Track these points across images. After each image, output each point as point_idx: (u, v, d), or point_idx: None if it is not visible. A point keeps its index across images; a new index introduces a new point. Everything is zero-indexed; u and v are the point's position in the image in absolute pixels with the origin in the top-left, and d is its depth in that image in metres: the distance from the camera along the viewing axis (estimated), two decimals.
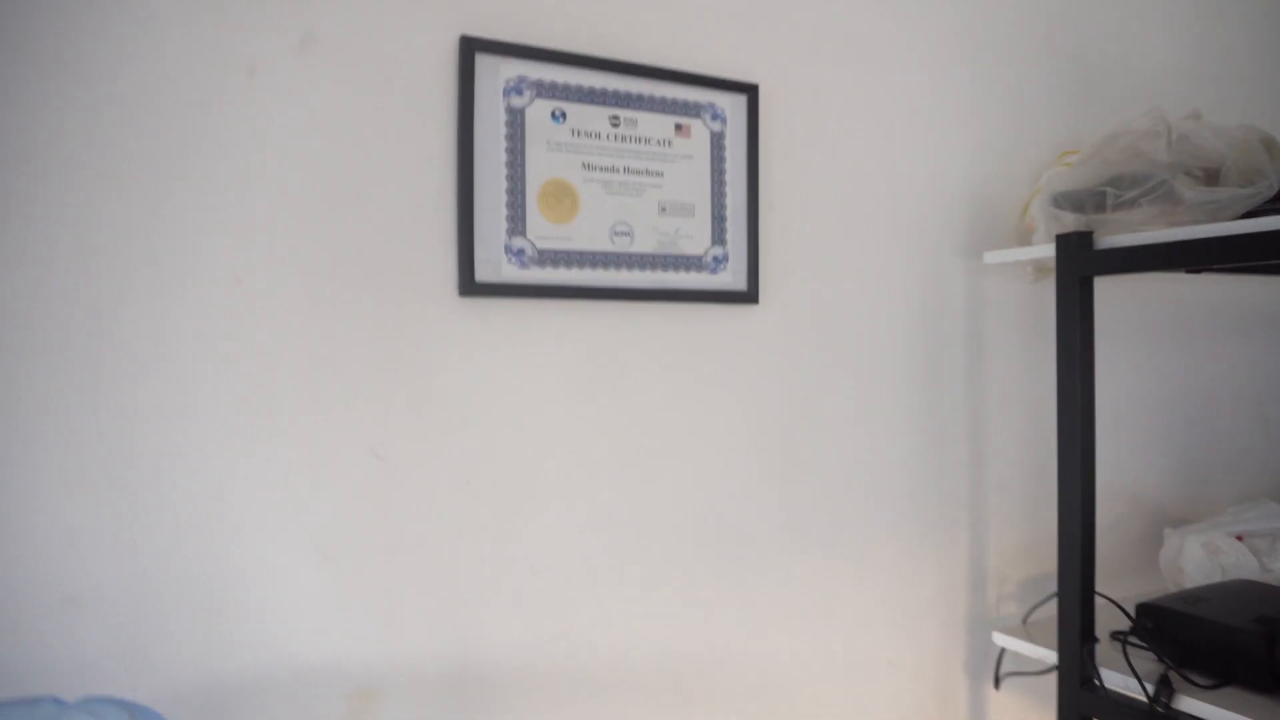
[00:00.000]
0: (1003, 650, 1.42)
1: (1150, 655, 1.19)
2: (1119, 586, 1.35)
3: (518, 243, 1.10)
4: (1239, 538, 1.40)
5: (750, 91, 1.23)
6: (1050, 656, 1.28)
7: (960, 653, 1.46)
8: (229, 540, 0.97)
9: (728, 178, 1.22)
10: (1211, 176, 1.11)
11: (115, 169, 0.91)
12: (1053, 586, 1.27)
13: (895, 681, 1.40)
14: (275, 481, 0.99)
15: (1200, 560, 1.40)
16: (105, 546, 0.91)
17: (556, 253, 1.12)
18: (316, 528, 1.01)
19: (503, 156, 1.09)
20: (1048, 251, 1.23)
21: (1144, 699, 1.13)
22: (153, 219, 0.93)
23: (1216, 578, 1.36)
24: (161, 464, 0.93)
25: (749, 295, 1.24)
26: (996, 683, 1.45)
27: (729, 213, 1.22)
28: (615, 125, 1.15)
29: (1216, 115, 1.22)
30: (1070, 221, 1.19)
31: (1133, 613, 1.23)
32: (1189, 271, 1.27)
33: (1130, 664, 1.16)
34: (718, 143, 1.21)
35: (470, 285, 1.07)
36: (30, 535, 0.88)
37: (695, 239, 1.20)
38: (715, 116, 1.21)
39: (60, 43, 0.89)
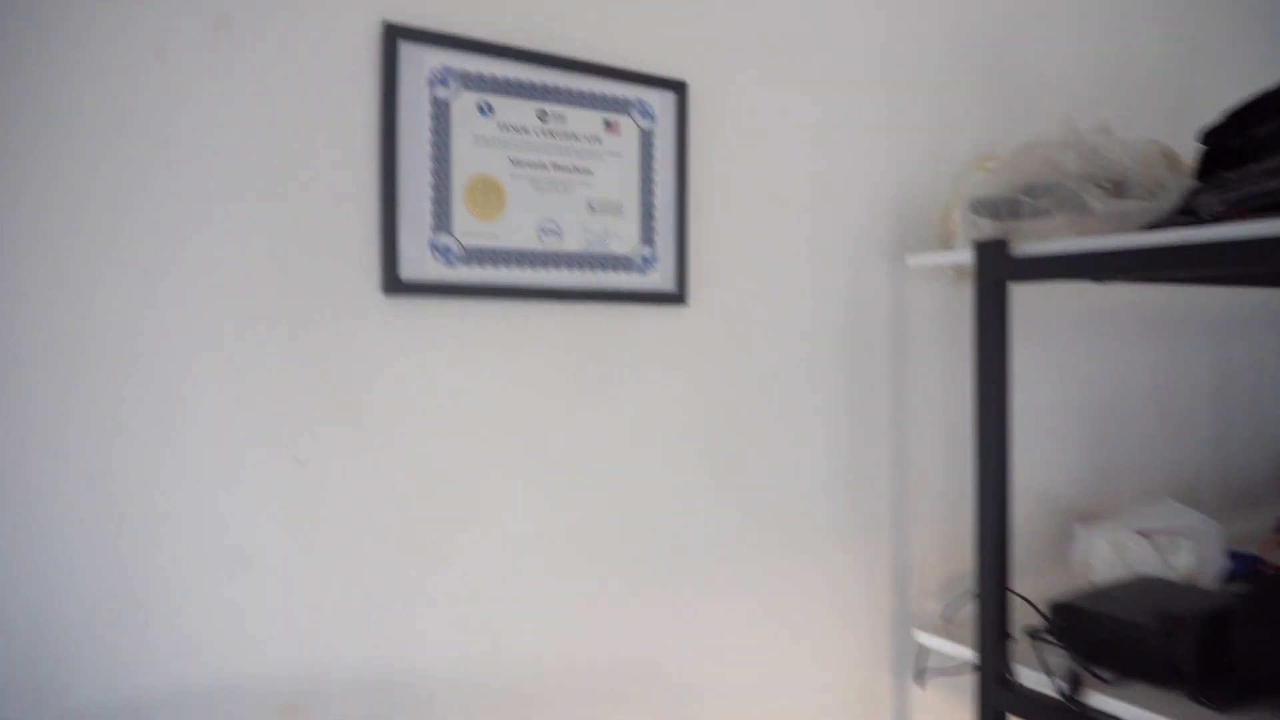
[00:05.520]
0: (925, 649, 1.45)
1: (1063, 652, 1.23)
2: (1033, 581, 1.38)
3: (443, 240, 1.06)
4: (1144, 534, 1.46)
5: (679, 89, 1.22)
6: (969, 654, 1.31)
7: (885, 652, 1.48)
8: (143, 549, 0.91)
9: (657, 176, 1.21)
10: (1119, 187, 1.16)
11: (10, 159, 0.85)
12: (970, 583, 1.30)
13: (823, 682, 1.41)
14: (192, 487, 0.93)
15: (1108, 558, 1.45)
16: None
17: (484, 250, 1.09)
18: (236, 536, 0.96)
19: (428, 150, 1.05)
20: (967, 256, 1.26)
21: (1056, 695, 1.16)
22: (57, 213, 0.87)
23: (1123, 574, 1.42)
24: (80, 464, 0.87)
25: (677, 296, 1.23)
26: (919, 681, 1.47)
27: (658, 212, 1.21)
28: (543, 120, 1.13)
29: (1122, 121, 1.27)
30: (987, 227, 1.22)
31: (1046, 611, 1.27)
32: (1095, 280, 1.32)
33: (1044, 661, 1.20)
34: (647, 140, 1.20)
35: (395, 283, 1.03)
36: None
37: (624, 238, 1.19)
38: (644, 114, 1.20)
39: None
